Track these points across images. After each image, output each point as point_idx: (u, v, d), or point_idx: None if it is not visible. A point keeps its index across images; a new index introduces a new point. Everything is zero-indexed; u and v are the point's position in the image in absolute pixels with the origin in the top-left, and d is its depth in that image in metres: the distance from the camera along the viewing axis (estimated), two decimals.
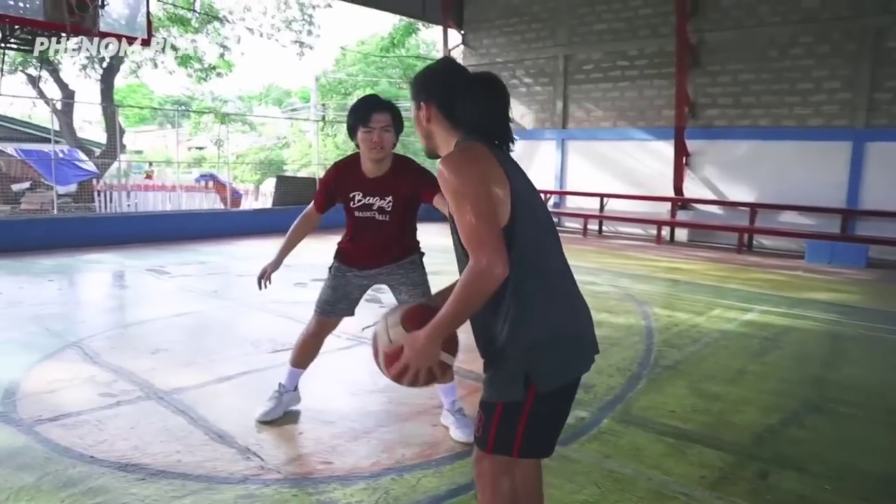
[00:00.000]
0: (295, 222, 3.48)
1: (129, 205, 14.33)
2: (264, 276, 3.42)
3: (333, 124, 29.14)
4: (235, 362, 4.60)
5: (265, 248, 11.01)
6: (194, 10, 18.40)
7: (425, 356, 1.70)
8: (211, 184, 15.83)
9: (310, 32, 20.37)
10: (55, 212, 11.61)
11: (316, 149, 20.81)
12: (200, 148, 32.92)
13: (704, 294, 7.60)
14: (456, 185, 1.65)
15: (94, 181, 15.53)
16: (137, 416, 3.59)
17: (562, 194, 15.21)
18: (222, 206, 14.67)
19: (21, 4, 7.48)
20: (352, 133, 3.14)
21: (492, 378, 1.80)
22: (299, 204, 14.11)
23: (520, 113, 16.01)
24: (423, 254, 3.52)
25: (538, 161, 15.67)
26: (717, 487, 2.92)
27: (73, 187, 14.93)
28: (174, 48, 18.33)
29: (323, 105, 31.99)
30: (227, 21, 19.16)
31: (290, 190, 14.23)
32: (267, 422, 3.50)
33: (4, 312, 6.04)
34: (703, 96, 12.96)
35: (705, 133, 12.92)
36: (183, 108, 27.21)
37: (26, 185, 15.76)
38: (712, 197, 12.95)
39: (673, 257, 10.95)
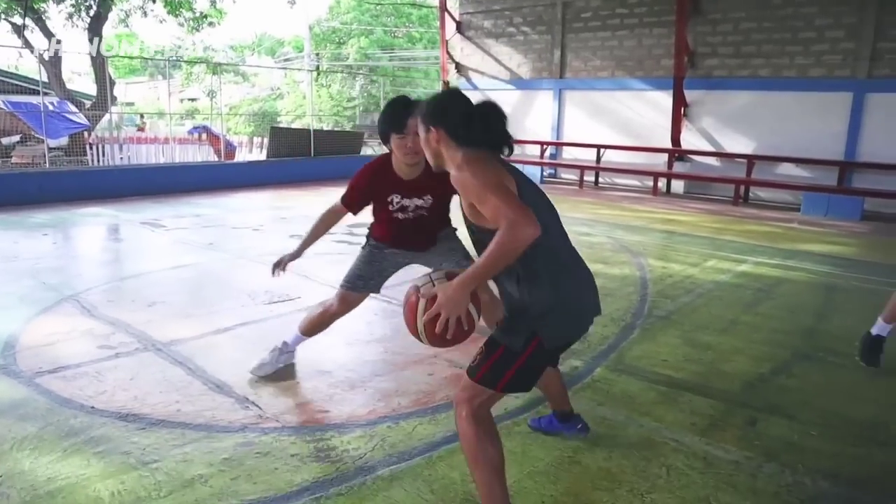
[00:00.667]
0: (320, 216, 3.39)
1: (121, 157, 14.15)
2: (280, 265, 3.40)
3: (328, 74, 28.73)
4: (232, 314, 4.63)
5: (260, 201, 10.98)
6: None
7: (456, 302, 1.93)
8: (204, 136, 15.61)
9: None
10: (47, 165, 11.50)
11: (310, 99, 20.49)
12: (193, 99, 32.47)
13: (699, 245, 7.62)
14: (476, 183, 1.92)
15: (86, 134, 15.31)
16: (136, 368, 3.63)
17: (558, 145, 15.11)
18: (216, 159, 14.51)
19: None
20: (384, 138, 3.08)
21: (506, 326, 2.13)
22: (294, 156, 14.00)
23: (516, 62, 15.76)
24: (455, 228, 3.48)
25: (535, 111, 15.51)
26: (707, 434, 2.98)
27: (64, 140, 14.71)
28: None
29: (317, 55, 31.44)
30: None
31: (285, 142, 14.09)
32: (260, 376, 3.53)
33: (1, 267, 6.04)
34: (703, 45, 12.75)
35: (704, 83, 12.75)
36: (174, 58, 26.68)
37: (16, 138, 15.55)
38: (710, 148, 12.87)
39: (669, 209, 10.95)
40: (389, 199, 3.21)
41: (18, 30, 16.29)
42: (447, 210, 3.40)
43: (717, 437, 2.95)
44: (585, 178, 14.07)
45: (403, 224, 3.30)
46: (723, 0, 12.36)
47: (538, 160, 14.77)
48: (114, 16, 18.21)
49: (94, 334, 4.17)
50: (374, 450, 2.79)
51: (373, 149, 18.24)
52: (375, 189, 3.23)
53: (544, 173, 14.58)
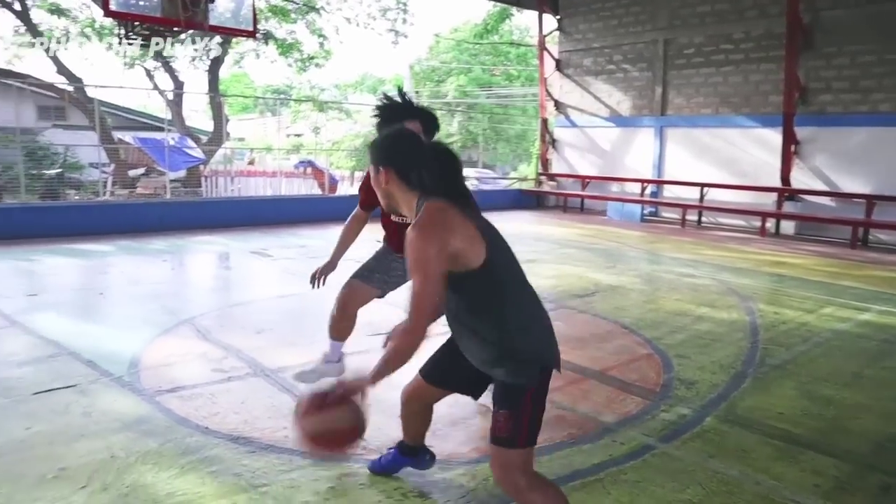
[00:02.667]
0: (345, 224, 3.57)
1: (232, 189, 15.03)
2: (318, 276, 3.57)
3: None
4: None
5: (362, 233, 11.30)
6: (294, 1, 18.96)
7: (357, 388, 2.04)
8: (309, 170, 16.35)
9: (404, 21, 20.55)
10: (168, 196, 12.32)
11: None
12: (298, 135, 34.06)
13: (814, 291, 7.18)
14: (416, 256, 1.94)
15: (201, 167, 16.37)
16: (247, 392, 3.78)
17: (659, 183, 14.75)
18: (320, 192, 15.11)
19: (141, 3, 7.96)
20: None
21: (510, 371, 2.07)
22: None
23: (616, 99, 15.61)
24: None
25: (635, 149, 15.25)
26: (833, 498, 2.77)
27: (182, 173, 15.78)
28: (275, 39, 18.97)
29: (416, 92, 32.32)
30: (325, 11, 19.65)
31: None
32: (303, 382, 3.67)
33: (127, 290, 6.49)
34: (816, 80, 12.18)
35: (817, 120, 12.15)
36: (283, 96, 28.17)
37: (141, 170, 16.81)
38: (823, 188, 12.18)
39: (778, 251, 10.41)
40: None
41: (149, 73, 17.71)
42: None
43: (845, 502, 2.74)
44: (688, 217, 13.64)
45: (401, 229, 3.29)
46: (838, 32, 11.80)
47: (638, 198, 14.47)
48: (229, 58, 19.49)
49: (208, 357, 4.38)
50: (476, 488, 2.76)
51: (472, 184, 18.44)
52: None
53: (644, 211, 14.25)
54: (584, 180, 15.96)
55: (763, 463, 3.06)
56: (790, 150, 12.35)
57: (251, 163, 21.01)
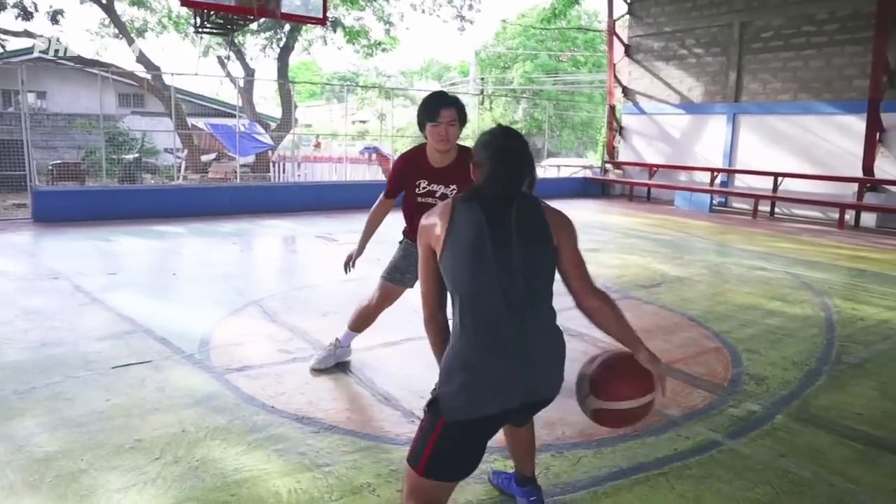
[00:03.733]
0: (370, 211, 3.69)
1: (299, 175, 15.33)
2: (349, 262, 3.78)
3: (492, 98, 29.29)
4: (398, 329, 4.78)
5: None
6: None
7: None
8: (374, 156, 16.53)
9: (471, 7, 20.46)
10: (237, 181, 12.68)
11: (478, 123, 20.99)
12: (363, 122, 34.46)
13: None
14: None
15: (269, 153, 16.77)
16: (311, 374, 3.86)
17: (730, 172, 14.25)
18: (384, 178, 15.26)
19: None
20: (421, 127, 3.27)
21: (437, 382, 1.98)
22: None
23: (687, 86, 15.14)
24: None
25: (705, 137, 14.78)
26: None
27: (251, 158, 16.23)
28: (343, 26, 19.19)
29: (482, 79, 32.17)
30: None
31: None
32: (318, 370, 3.87)
33: (198, 271, 6.72)
34: None
35: None
36: (350, 83, 28.54)
37: (213, 156, 17.38)
38: None
39: (858, 244, 9.91)
40: (417, 184, 3.43)
41: (222, 62, 18.21)
42: None
43: None
44: (760, 207, 13.13)
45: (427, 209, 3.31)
46: None
47: (707, 188, 14.03)
48: (298, 45, 19.84)
49: (274, 338, 4.50)
50: (538, 478, 2.74)
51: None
52: (408, 173, 3.46)
53: (714, 201, 13.80)
54: (652, 169, 15.57)
55: (838, 465, 2.93)
56: (874, 138, 11.72)
57: (317, 146, 21.37)
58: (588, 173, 17.89)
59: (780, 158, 13.26)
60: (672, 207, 14.19)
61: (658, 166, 15.47)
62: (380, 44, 20.67)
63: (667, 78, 15.60)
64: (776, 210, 13.36)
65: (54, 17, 14.55)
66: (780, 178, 13.05)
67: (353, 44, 20.06)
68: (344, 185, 13.54)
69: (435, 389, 1.96)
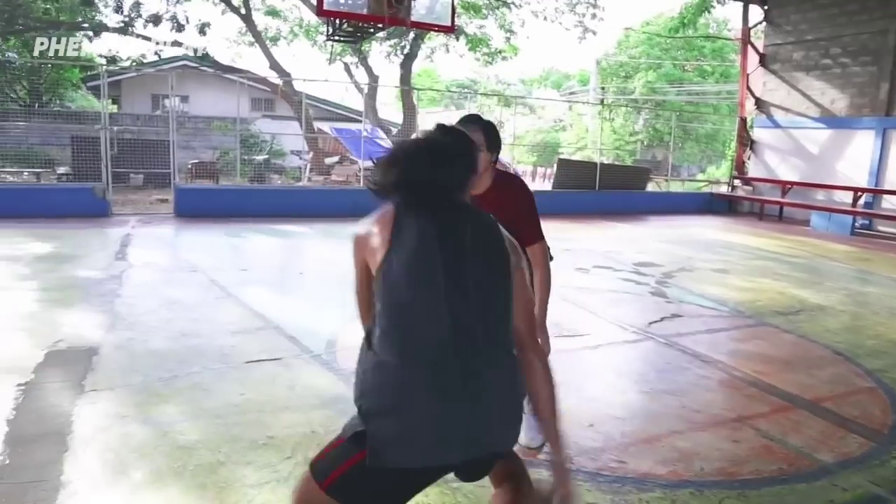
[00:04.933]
0: None
1: None
2: None
3: (612, 108, 28.61)
4: None
5: (544, 230, 11.19)
6: None
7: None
8: None
9: (593, 16, 20.07)
10: (361, 184, 13.04)
11: (598, 133, 20.62)
12: None
13: None
14: None
15: None
16: None
17: (878, 193, 13.09)
18: None
19: (349, 1, 8.42)
20: None
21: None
22: (580, 188, 14.08)
23: (830, 98, 14.09)
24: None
25: (849, 153, 13.69)
26: None
27: (371, 162, 16.67)
28: (465, 34, 19.35)
29: (602, 88, 31.52)
30: (515, 6, 19.69)
31: (571, 174, 14.26)
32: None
33: (323, 271, 6.92)
34: None
35: None
36: (470, 91, 28.80)
37: (336, 159, 17.99)
38: None
39: None
40: None
41: (348, 68, 18.85)
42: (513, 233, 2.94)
43: None
44: None
45: None
46: None
47: (850, 208, 12.97)
48: (421, 53, 20.20)
49: None
50: None
51: (657, 185, 17.64)
52: None
53: (856, 224, 12.74)
54: (785, 186, 14.60)
55: None
56: None
57: None
58: (713, 189, 17.06)
59: None
60: (807, 228, 13.23)
61: (793, 184, 14.48)
62: (500, 52, 20.67)
63: (806, 89, 14.59)
64: None
65: (202, 29, 15.60)
66: None
67: (475, 52, 20.18)
68: None
69: (356, 417, 1.66)
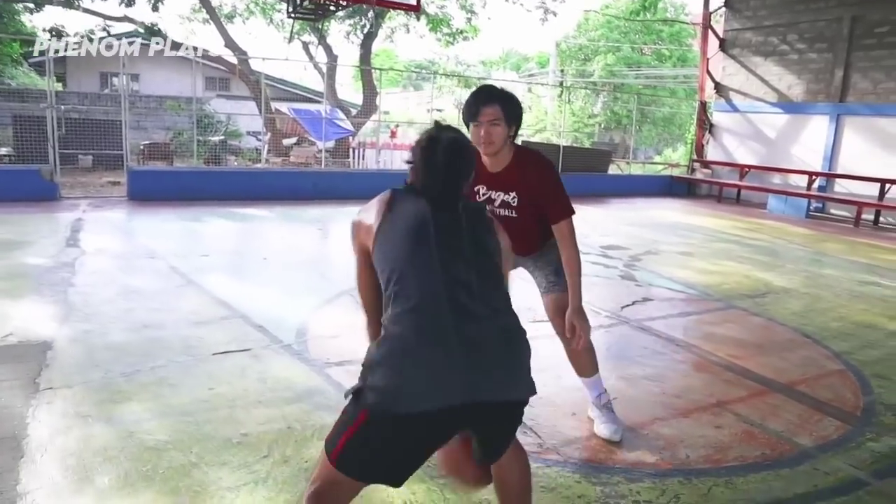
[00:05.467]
0: None
1: (378, 161, 15.34)
2: None
3: (570, 91, 28.67)
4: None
5: None
6: None
7: None
8: None
9: None
10: (323, 166, 12.76)
11: (564, 115, 20.65)
12: (440, 110, 34.46)
13: None
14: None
15: (350, 139, 16.86)
16: None
17: (831, 177, 13.41)
18: None
19: None
20: (466, 128, 2.84)
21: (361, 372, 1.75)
22: None
23: (787, 83, 14.33)
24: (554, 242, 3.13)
25: (804, 138, 13.98)
26: None
27: (330, 144, 16.35)
28: (426, 14, 19.08)
29: (562, 71, 31.56)
30: None
31: None
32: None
33: (287, 256, 6.72)
34: None
35: None
36: (430, 72, 28.45)
37: (294, 140, 17.60)
38: None
39: None
40: (476, 190, 2.98)
41: (307, 47, 18.40)
42: (540, 214, 2.92)
43: None
44: (863, 216, 12.30)
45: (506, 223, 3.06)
46: None
47: (804, 192, 13.27)
48: (381, 33, 19.87)
49: None
50: None
51: (618, 167, 17.76)
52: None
53: (810, 207, 13.03)
54: (743, 169, 14.85)
55: None
56: None
57: (393, 135, 21.41)
58: (673, 172, 17.27)
59: (890, 164, 12.37)
60: (764, 211, 13.49)
61: (751, 167, 14.74)
62: (461, 32, 20.48)
63: (764, 74, 14.82)
64: (881, 219, 12.49)
65: (155, 5, 14.99)
66: (888, 185, 12.19)
67: (436, 32, 19.95)
68: None
69: (360, 381, 1.71)
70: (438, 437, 1.73)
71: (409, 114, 30.35)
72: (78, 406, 3.12)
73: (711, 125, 16.18)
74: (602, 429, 3.09)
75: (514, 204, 2.95)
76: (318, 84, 15.40)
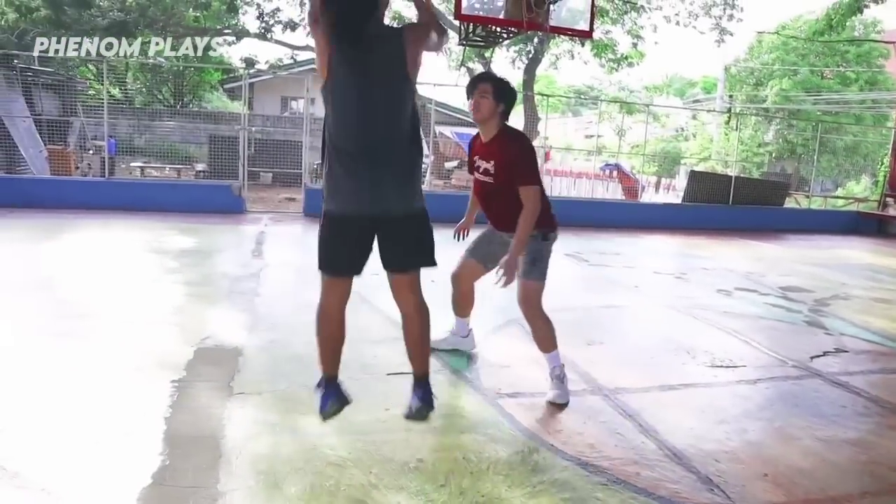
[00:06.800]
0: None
1: None
2: (460, 230, 4.12)
3: (739, 118, 27.08)
4: (674, 370, 4.34)
5: (675, 246, 10.63)
6: (614, 1, 18.64)
7: None
8: (615, 173, 15.97)
9: (731, 17, 18.99)
10: None
11: (724, 143, 19.51)
12: (599, 136, 33.89)
13: None
14: None
15: None
16: (586, 411, 3.57)
17: None
18: (623, 197, 14.68)
19: (486, 6, 8.26)
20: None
21: None
22: (712, 202, 13.30)
23: None
24: (544, 236, 3.66)
25: None
26: None
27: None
28: (592, 39, 18.83)
29: (730, 97, 29.89)
30: (645, 10, 18.97)
31: (703, 187, 13.49)
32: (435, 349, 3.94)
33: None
34: None
35: None
36: (592, 98, 28.08)
37: (455, 163, 18.02)
38: None
39: None
40: (474, 160, 3.72)
41: (472, 73, 18.81)
42: (515, 189, 3.47)
43: None
44: None
45: (481, 186, 3.73)
46: None
47: None
48: (545, 59, 19.88)
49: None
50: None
51: (796, 201, 16.44)
52: (472, 151, 3.77)
53: None
54: None
55: None
56: None
57: (547, 158, 21.29)
58: (859, 207, 15.69)
59: None
60: None
61: None
62: (626, 57, 19.98)
63: None
64: None
65: None
66: None
67: (600, 57, 19.62)
68: (589, 202, 13.17)
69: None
70: (363, 235, 2.74)
71: (567, 139, 30.09)
72: (266, 413, 3.28)
73: None
74: (550, 395, 3.62)
75: (492, 171, 3.57)
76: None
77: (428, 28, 2.69)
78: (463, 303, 4.20)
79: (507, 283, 3.42)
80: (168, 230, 8.50)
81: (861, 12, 19.60)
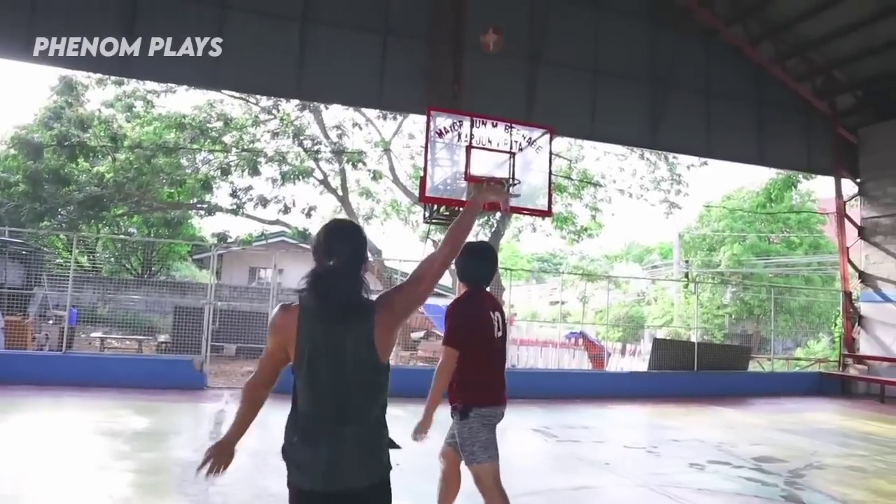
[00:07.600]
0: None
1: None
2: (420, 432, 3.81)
3: (696, 282, 28.11)
4: None
5: (643, 416, 10.51)
6: (571, 179, 19.94)
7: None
8: (580, 341, 16.11)
9: (678, 192, 20.41)
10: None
11: (683, 306, 20.07)
12: (563, 302, 34.57)
13: None
14: None
15: None
16: None
17: None
18: (589, 365, 14.74)
19: (449, 188, 8.80)
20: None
21: None
22: (677, 369, 13.38)
23: None
24: (461, 413, 3.73)
25: None
26: None
27: None
28: (552, 214, 19.87)
29: (686, 262, 31.23)
30: (601, 185, 20.28)
31: (667, 354, 13.62)
32: None
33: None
34: None
35: None
36: (555, 267, 29.08)
37: (421, 333, 18.06)
38: None
39: None
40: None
41: (437, 245, 19.49)
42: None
43: None
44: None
45: None
46: None
47: None
48: (508, 232, 20.76)
49: None
50: None
51: (759, 364, 16.66)
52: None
53: None
54: None
55: None
56: None
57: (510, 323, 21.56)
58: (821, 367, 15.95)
59: None
60: None
61: None
62: (586, 229, 21.00)
63: None
64: None
65: (308, 212, 16.94)
66: None
67: (561, 230, 20.57)
68: (556, 373, 13.16)
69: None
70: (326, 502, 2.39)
71: (531, 306, 30.66)
72: None
73: (860, 317, 15.05)
74: None
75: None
76: (447, 280, 15.99)
77: (416, 289, 2.55)
78: (452, 492, 4.01)
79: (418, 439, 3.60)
80: (123, 409, 8.16)
81: (795, 187, 21.31)
